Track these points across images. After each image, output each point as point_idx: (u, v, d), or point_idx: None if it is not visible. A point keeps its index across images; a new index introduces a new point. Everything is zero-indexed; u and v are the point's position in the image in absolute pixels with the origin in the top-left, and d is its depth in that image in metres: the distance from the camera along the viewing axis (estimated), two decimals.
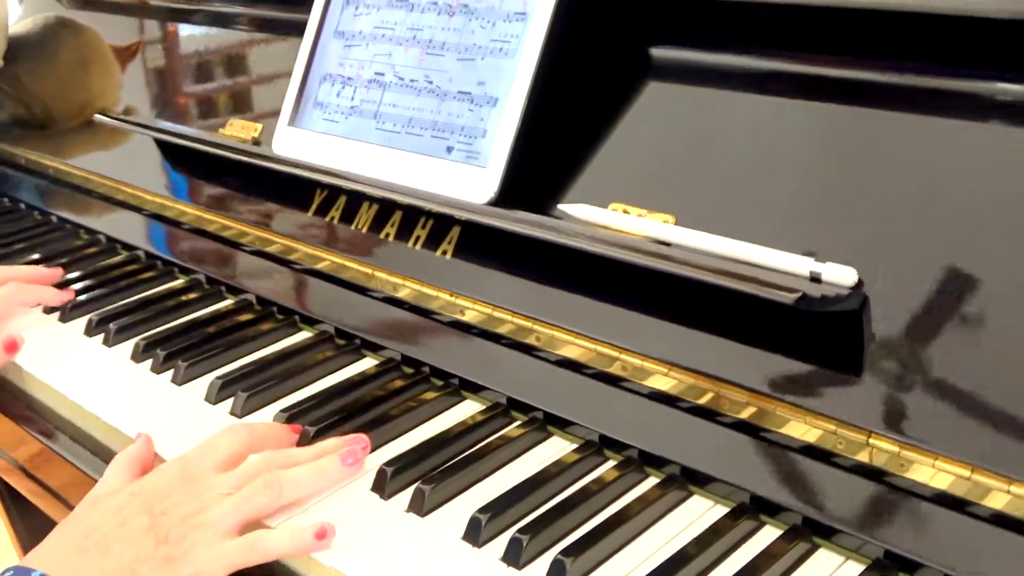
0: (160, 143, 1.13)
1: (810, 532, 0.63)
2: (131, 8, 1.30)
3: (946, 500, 0.58)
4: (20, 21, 1.46)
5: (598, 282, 0.73)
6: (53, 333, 1.00)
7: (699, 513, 0.67)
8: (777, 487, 0.64)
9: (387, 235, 0.88)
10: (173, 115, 1.21)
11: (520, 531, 0.64)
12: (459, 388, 0.82)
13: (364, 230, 0.90)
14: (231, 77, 1.14)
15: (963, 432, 0.57)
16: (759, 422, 0.65)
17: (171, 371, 0.89)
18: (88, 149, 1.29)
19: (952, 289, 0.59)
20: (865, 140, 0.66)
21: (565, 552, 0.62)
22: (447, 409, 0.80)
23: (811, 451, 0.63)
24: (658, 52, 0.77)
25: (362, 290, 0.90)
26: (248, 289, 1.00)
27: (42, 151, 1.33)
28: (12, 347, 0.93)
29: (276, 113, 0.96)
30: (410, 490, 0.70)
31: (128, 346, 0.94)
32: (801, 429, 0.63)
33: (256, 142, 1.02)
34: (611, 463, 0.72)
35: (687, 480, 0.69)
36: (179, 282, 1.07)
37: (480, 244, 0.81)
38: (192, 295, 1.03)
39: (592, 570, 0.62)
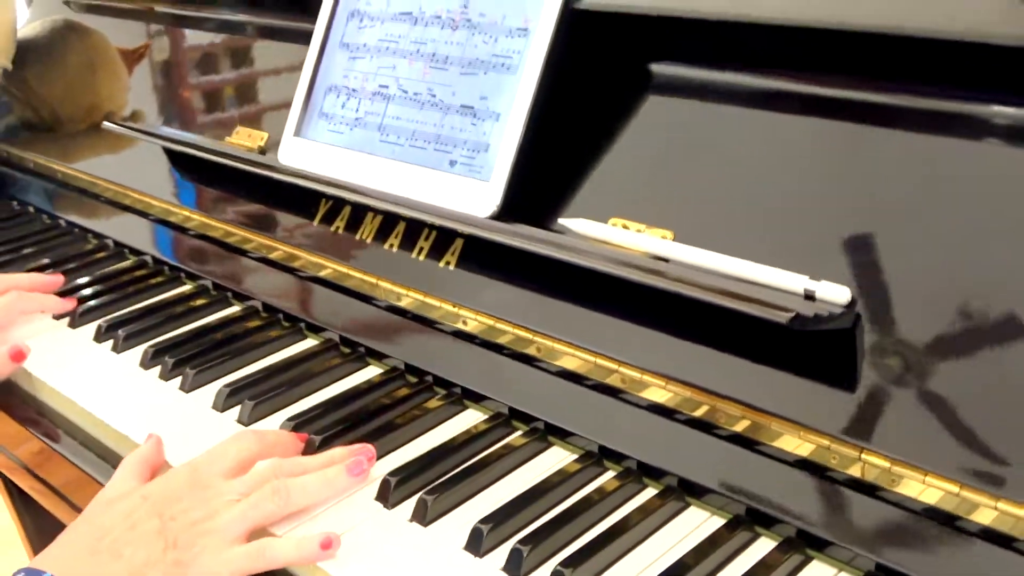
0: (168, 150, 1.14)
1: (804, 544, 0.65)
2: (138, 13, 1.31)
3: (936, 515, 0.59)
4: (28, 24, 1.48)
5: (597, 296, 0.74)
6: (63, 339, 1.01)
7: (696, 524, 0.68)
8: (772, 499, 0.66)
9: (391, 246, 0.89)
10: (179, 121, 1.22)
11: (521, 541, 0.66)
12: (462, 397, 0.83)
13: (369, 240, 0.91)
14: (237, 84, 1.16)
15: (952, 449, 0.58)
16: (754, 435, 0.67)
17: (179, 378, 0.90)
18: (95, 153, 1.31)
19: (944, 310, 0.60)
20: (862, 159, 0.67)
21: (565, 563, 0.64)
22: (450, 418, 0.82)
23: (805, 464, 0.65)
24: (658, 68, 0.78)
25: (366, 299, 0.91)
26: (254, 296, 1.02)
27: (50, 155, 1.35)
28: (19, 356, 0.95)
29: (281, 121, 0.98)
30: (413, 500, 0.71)
31: (137, 353, 0.96)
32: (795, 443, 0.65)
33: (262, 150, 1.04)
34: (611, 473, 0.74)
35: (684, 491, 0.70)
36: (186, 288, 1.09)
37: (483, 256, 0.82)
38: (199, 301, 1.04)
39: None
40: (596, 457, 0.75)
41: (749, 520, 0.67)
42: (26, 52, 1.42)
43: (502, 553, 0.66)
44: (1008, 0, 0.60)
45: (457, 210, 0.81)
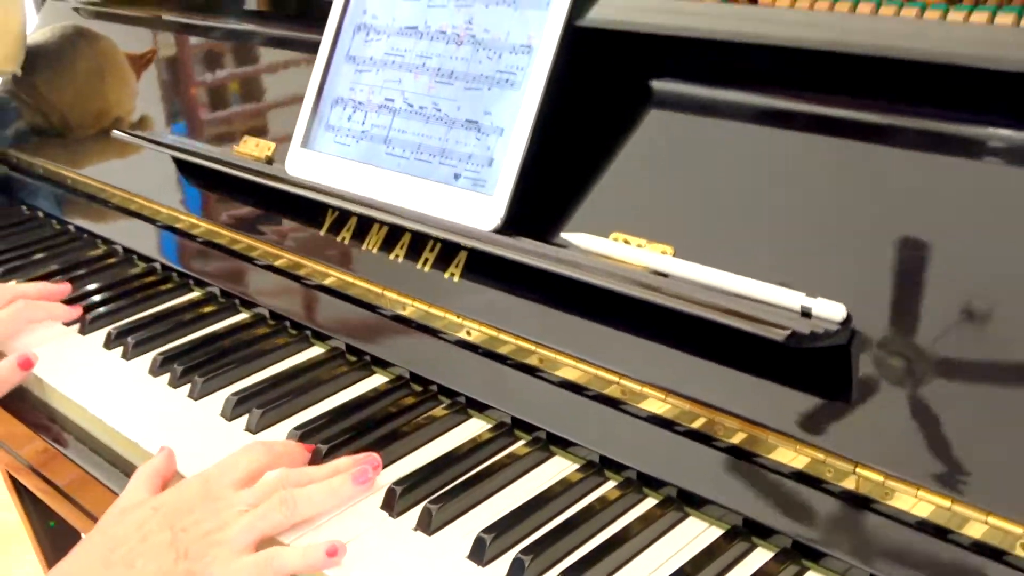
0: (176, 159, 1.16)
1: (800, 555, 0.66)
2: (147, 21, 1.33)
3: (928, 528, 0.61)
4: (38, 30, 1.49)
5: (597, 309, 0.76)
6: (73, 345, 1.03)
7: (695, 534, 0.70)
8: (769, 511, 0.67)
9: (397, 256, 0.91)
10: (187, 128, 1.24)
11: (523, 551, 0.67)
12: (466, 406, 0.85)
13: (375, 251, 0.93)
14: (245, 93, 1.17)
15: (944, 465, 0.60)
16: (751, 447, 0.68)
17: (188, 385, 0.92)
18: (103, 159, 1.32)
19: (938, 328, 0.62)
20: (860, 177, 0.69)
21: (566, 572, 0.66)
22: (455, 427, 0.84)
23: (801, 477, 0.66)
24: (658, 85, 0.79)
25: (372, 308, 0.93)
26: (261, 303, 1.03)
27: (58, 160, 1.36)
28: (27, 364, 0.96)
29: (288, 130, 0.99)
30: (418, 508, 0.73)
31: (146, 360, 0.97)
32: (790, 456, 0.66)
33: (269, 160, 1.05)
34: (612, 483, 0.75)
35: (684, 502, 0.72)
36: (195, 294, 1.10)
37: (487, 268, 0.84)
38: (207, 308, 1.06)
39: None
40: (597, 467, 0.76)
41: (746, 531, 0.68)
42: (35, 58, 1.44)
43: (505, 562, 0.68)
44: (991, 29, 0.61)
45: (461, 223, 0.82)
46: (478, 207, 0.82)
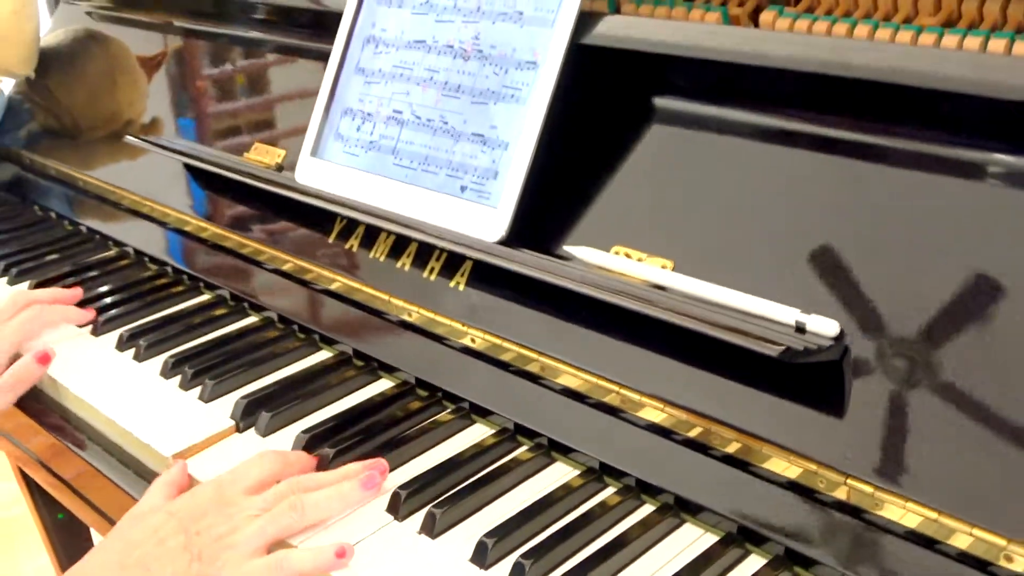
0: (188, 165, 1.18)
1: (792, 562, 0.68)
2: (158, 26, 1.35)
3: (916, 538, 0.63)
4: (51, 33, 1.51)
5: (598, 320, 0.78)
6: (86, 346, 1.05)
7: (691, 540, 0.72)
8: (763, 519, 0.69)
9: (403, 265, 0.93)
10: (196, 133, 1.26)
11: (524, 555, 0.70)
12: (470, 412, 0.87)
13: (382, 259, 0.95)
14: (254, 99, 1.19)
15: (931, 478, 0.62)
16: (746, 457, 0.70)
17: (199, 388, 0.94)
18: (114, 161, 1.34)
19: (928, 346, 0.64)
20: (857, 195, 0.71)
21: None
22: (459, 432, 0.86)
23: (794, 486, 0.68)
24: (660, 102, 0.82)
25: (379, 314, 0.95)
26: (270, 308, 1.05)
27: (70, 162, 1.39)
28: (45, 359, 0.98)
29: (297, 138, 1.02)
30: (423, 512, 0.75)
31: (158, 362, 0.99)
32: (784, 466, 0.68)
33: (279, 167, 1.07)
34: (611, 489, 0.77)
35: (680, 508, 0.74)
36: (205, 297, 1.13)
37: (491, 278, 0.86)
38: (218, 311, 1.08)
39: None
40: (597, 473, 0.78)
41: (741, 538, 0.70)
42: (48, 61, 1.46)
43: (506, 565, 0.70)
44: (980, 56, 0.63)
45: (467, 234, 0.84)
46: (483, 219, 0.84)
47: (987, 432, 0.61)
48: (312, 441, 0.84)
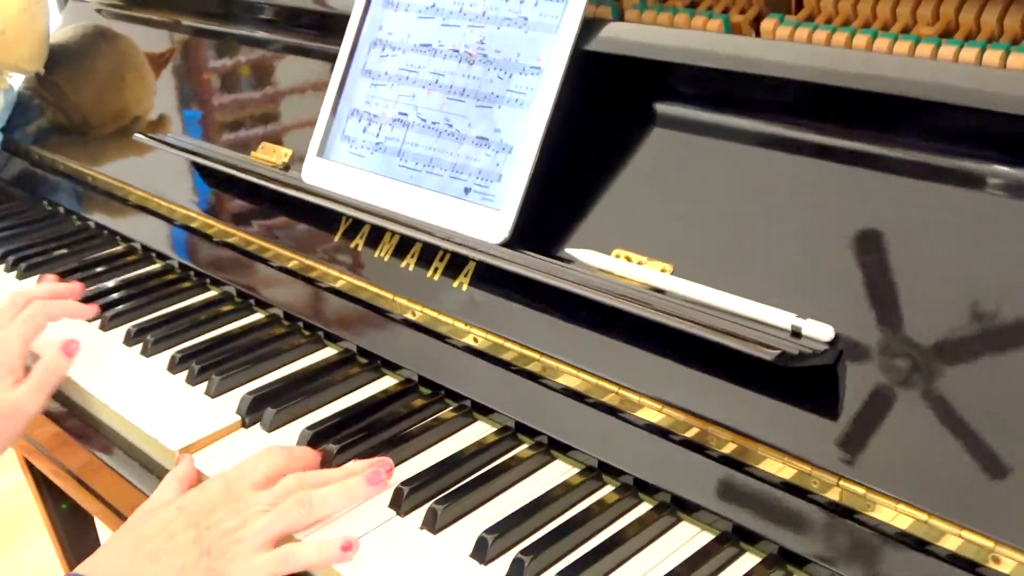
0: (195, 163, 1.19)
1: (785, 561, 0.70)
2: (167, 24, 1.36)
3: (907, 539, 0.64)
4: (60, 30, 1.53)
5: (598, 322, 0.80)
6: (94, 341, 1.06)
7: (687, 538, 0.73)
8: (757, 518, 0.70)
9: (408, 265, 0.94)
10: (202, 131, 1.27)
11: (523, 551, 0.71)
12: (471, 410, 0.89)
13: (387, 258, 0.97)
14: (261, 99, 1.21)
15: (921, 481, 0.63)
16: (741, 458, 0.72)
17: (205, 383, 0.96)
18: (122, 158, 1.36)
19: (920, 351, 0.65)
20: (853, 203, 0.72)
21: (563, 573, 0.69)
22: (460, 429, 0.87)
23: (788, 487, 0.70)
24: (662, 108, 0.83)
25: (383, 312, 0.97)
26: (276, 305, 1.07)
27: (79, 158, 1.40)
28: (70, 350, 0.97)
29: (303, 138, 1.03)
30: (424, 508, 0.77)
31: (165, 357, 1.01)
32: (778, 467, 0.70)
33: (286, 167, 1.09)
34: (609, 488, 0.79)
35: (677, 507, 0.75)
36: (212, 294, 1.14)
37: (494, 279, 0.88)
38: (224, 308, 1.10)
39: None
40: (596, 472, 0.80)
41: (736, 536, 0.72)
42: (58, 57, 1.47)
43: (506, 561, 0.71)
44: (975, 68, 0.65)
45: (470, 235, 0.86)
46: (487, 221, 0.85)
47: (975, 437, 0.62)
48: (316, 437, 0.86)
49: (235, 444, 0.88)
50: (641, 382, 0.77)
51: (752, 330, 0.68)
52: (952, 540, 0.62)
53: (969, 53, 0.72)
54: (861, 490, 0.66)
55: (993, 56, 0.71)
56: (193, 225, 1.20)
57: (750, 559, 0.71)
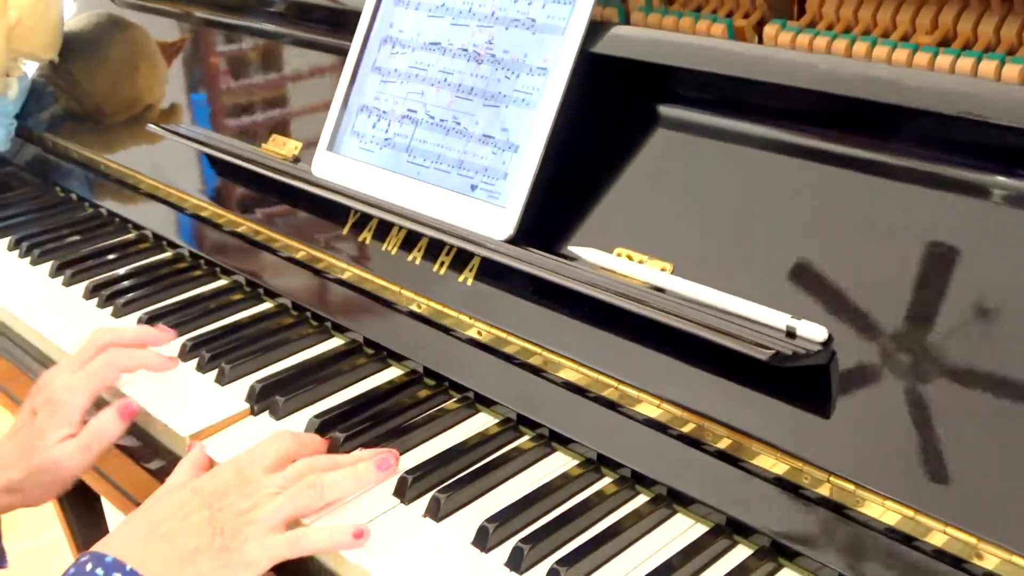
0: (207, 154, 1.21)
1: (776, 553, 0.72)
2: (179, 15, 1.38)
3: (895, 534, 0.67)
4: (74, 18, 1.55)
5: (599, 318, 0.82)
6: (110, 327, 1.08)
7: (682, 530, 0.76)
8: (750, 511, 0.73)
9: (414, 259, 0.97)
10: (213, 121, 1.29)
11: (523, 540, 0.73)
12: (475, 401, 0.91)
13: (393, 252, 0.99)
14: (273, 92, 1.23)
15: (909, 479, 0.65)
16: (736, 453, 0.74)
17: (215, 371, 0.98)
18: (134, 146, 1.38)
19: (910, 353, 0.68)
20: (848, 207, 0.74)
21: (561, 561, 0.71)
22: (463, 421, 0.89)
23: (780, 482, 0.72)
24: (665, 110, 0.85)
25: (389, 304, 0.99)
26: (285, 295, 1.09)
27: (92, 146, 1.42)
28: (128, 413, 0.89)
29: (313, 131, 1.05)
30: (428, 496, 0.79)
31: (176, 345, 1.03)
32: (771, 462, 0.72)
33: (296, 159, 1.11)
34: (607, 480, 0.81)
35: (673, 500, 0.78)
36: (222, 283, 1.16)
37: (498, 274, 0.90)
38: (234, 296, 1.12)
39: None
40: (595, 464, 0.82)
41: (729, 529, 0.74)
42: (72, 46, 1.49)
43: (506, 549, 0.74)
44: (967, 80, 0.67)
45: (476, 232, 0.88)
46: (492, 218, 0.87)
47: (961, 437, 0.64)
48: (324, 425, 0.88)
49: (244, 431, 0.90)
50: (640, 378, 0.79)
51: (748, 330, 0.71)
52: (938, 536, 0.64)
53: (965, 63, 0.74)
54: (851, 486, 0.68)
55: (988, 66, 0.73)
56: (203, 214, 1.22)
57: (742, 551, 0.73)
